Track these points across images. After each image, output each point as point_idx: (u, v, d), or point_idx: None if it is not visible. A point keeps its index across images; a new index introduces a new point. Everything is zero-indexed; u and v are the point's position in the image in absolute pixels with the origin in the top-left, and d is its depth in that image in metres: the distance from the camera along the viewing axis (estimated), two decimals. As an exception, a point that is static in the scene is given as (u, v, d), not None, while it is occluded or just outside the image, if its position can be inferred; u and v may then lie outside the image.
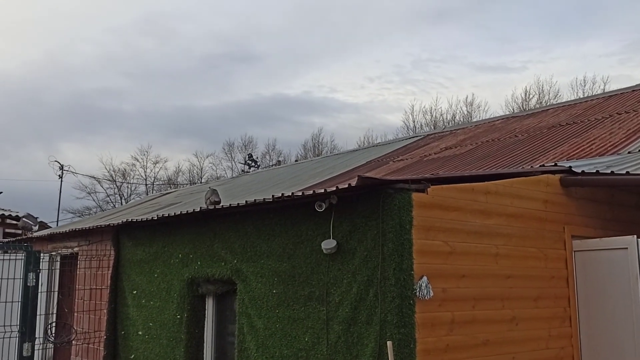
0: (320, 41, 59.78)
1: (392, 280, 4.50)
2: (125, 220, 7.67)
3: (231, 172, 44.98)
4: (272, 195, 5.17)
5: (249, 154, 30.26)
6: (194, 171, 47.07)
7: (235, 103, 56.40)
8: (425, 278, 4.57)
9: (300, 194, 4.93)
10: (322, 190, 4.75)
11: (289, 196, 5.03)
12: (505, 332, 5.18)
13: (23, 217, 11.48)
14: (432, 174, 5.35)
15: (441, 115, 39.80)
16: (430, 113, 40.19)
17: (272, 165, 33.23)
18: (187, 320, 6.64)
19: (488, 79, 48.86)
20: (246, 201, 5.51)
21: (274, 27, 59.90)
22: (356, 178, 4.39)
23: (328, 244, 4.95)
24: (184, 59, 58.39)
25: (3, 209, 18.68)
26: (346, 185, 4.51)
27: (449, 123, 36.61)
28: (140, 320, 7.40)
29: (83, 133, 55.90)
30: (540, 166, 6.09)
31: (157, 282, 7.23)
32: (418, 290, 4.52)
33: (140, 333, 7.35)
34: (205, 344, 6.66)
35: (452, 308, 4.81)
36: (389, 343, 4.39)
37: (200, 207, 6.12)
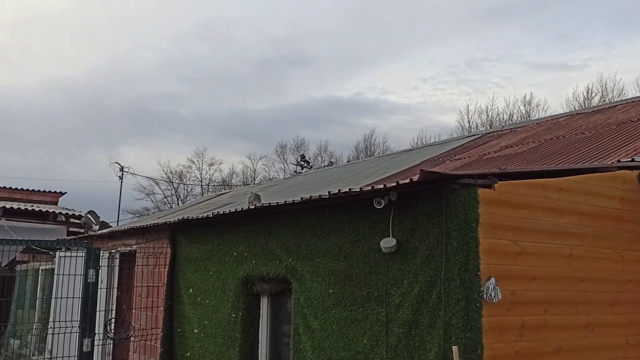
0: (374, 43, 59.38)
1: (457, 281, 4.24)
2: (181, 218, 7.68)
3: (284, 173, 45.22)
4: (329, 192, 5.00)
5: (302, 154, 30.28)
6: (248, 173, 47.64)
7: (288, 106, 56.78)
8: (492, 279, 4.29)
9: (358, 190, 4.73)
10: (382, 186, 4.54)
11: (346, 192, 4.85)
12: (580, 339, 4.81)
13: (86, 214, 11.77)
14: (499, 169, 5.04)
15: (497, 115, 38.64)
16: (487, 113, 39.09)
17: (324, 167, 33.16)
18: (241, 319, 6.56)
19: (547, 78, 47.14)
20: (302, 198, 5.36)
21: (327, 30, 60.02)
22: (418, 172, 4.16)
23: (387, 243, 4.74)
24: (240, 63, 59.33)
25: (67, 209, 19.37)
26: (407, 181, 4.29)
27: (505, 123, 35.52)
28: (196, 318, 7.39)
29: (143, 136, 57.64)
30: (616, 162, 5.66)
31: (212, 280, 7.20)
32: (485, 292, 4.24)
33: (195, 331, 7.34)
34: (260, 344, 6.56)
35: (522, 312, 4.49)
36: (454, 348, 4.13)
37: (255, 205, 6.02)
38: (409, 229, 4.69)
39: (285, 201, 5.61)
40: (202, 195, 45.23)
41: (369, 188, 4.65)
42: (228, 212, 6.51)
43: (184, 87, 59.14)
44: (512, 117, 38.24)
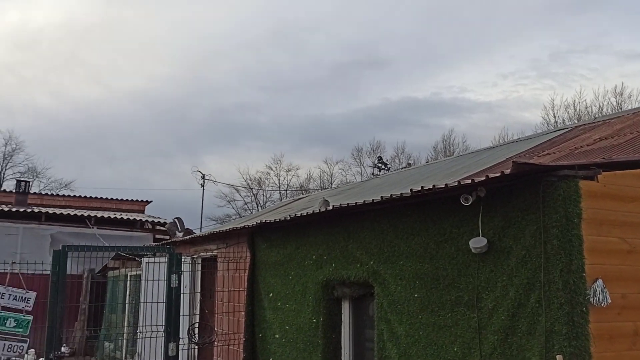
0: (450, 41, 57.96)
1: (559, 283, 3.82)
2: (259, 222, 7.63)
3: (360, 177, 44.97)
4: (411, 190, 4.71)
5: (379, 156, 29.93)
6: (325, 177, 47.83)
7: (363, 109, 56.50)
8: (600, 281, 3.84)
9: (443, 186, 4.41)
10: (469, 181, 4.19)
11: (429, 189, 4.54)
12: None
13: (172, 220, 12.08)
14: (602, 158, 4.55)
15: (586, 108, 36.42)
16: (574, 107, 36.92)
17: (402, 168, 32.60)
18: (323, 324, 6.37)
19: (638, 67, 44.01)
20: (382, 197, 5.10)
21: (402, 31, 59.21)
22: (510, 165, 3.79)
23: (477, 243, 4.38)
24: (315, 68, 59.72)
25: (153, 217, 20.11)
26: (498, 174, 3.92)
27: (595, 116, 33.44)
28: (277, 323, 7.29)
29: (223, 145, 59.29)
30: None
31: (291, 285, 7.07)
32: (592, 295, 3.80)
33: (277, 336, 7.23)
34: (342, 350, 6.34)
35: (635, 317, 4.01)
36: (558, 358, 3.72)
37: (333, 206, 5.82)
38: (501, 227, 4.31)
39: (364, 201, 5.37)
40: (281, 200, 45.96)
41: (455, 184, 4.31)
42: (305, 214, 6.35)
43: (262, 96, 60.35)
44: (602, 109, 35.97)
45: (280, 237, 7.49)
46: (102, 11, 60.07)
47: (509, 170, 3.83)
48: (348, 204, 5.57)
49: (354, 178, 45.20)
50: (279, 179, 48.75)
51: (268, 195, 48.78)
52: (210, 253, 9.81)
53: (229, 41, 63.51)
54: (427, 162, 33.80)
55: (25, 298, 6.49)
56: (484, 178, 4.09)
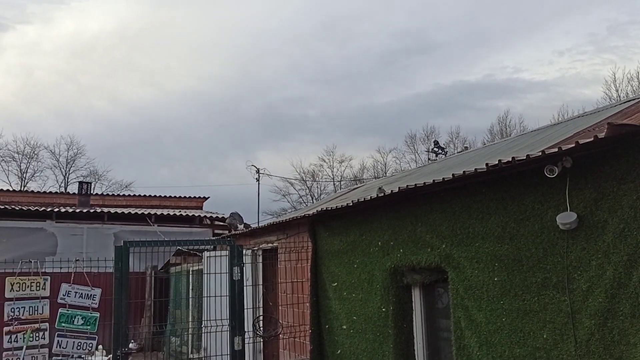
0: (502, 20, 56.08)
1: (669, 258, 3.37)
2: (320, 209, 7.37)
3: (415, 164, 44.22)
4: (487, 164, 4.32)
5: (435, 141, 29.15)
6: (378, 167, 47.38)
7: (415, 96, 55.52)
8: None
9: (524, 157, 4.01)
10: (555, 150, 3.78)
11: (508, 162, 4.14)
12: None
13: (230, 214, 12.02)
14: None
15: (651, 80, 34.36)
16: (638, 79, 34.93)
17: (458, 152, 31.72)
18: (393, 313, 6.06)
19: None
20: (453, 175, 4.73)
21: (451, 14, 57.77)
22: (605, 128, 3.36)
23: (565, 218, 3.96)
24: (363, 58, 59.11)
25: (211, 212, 20.30)
26: (591, 139, 3.50)
27: None
28: (344, 313, 7.03)
29: (275, 140, 59.66)
30: None
31: (357, 273, 6.78)
32: None
33: (344, 327, 6.98)
34: (415, 340, 6.01)
35: None
36: (674, 343, 3.28)
37: (399, 188, 5.48)
38: (593, 200, 3.87)
39: (434, 180, 5.01)
40: (335, 192, 45.80)
41: (539, 154, 3.90)
42: (369, 198, 6.04)
43: (311, 89, 60.29)
44: (668, 80, 33.88)
45: (342, 224, 7.22)
46: (152, 15, 61.53)
47: (603, 133, 3.40)
48: (416, 184, 5.22)
49: (409, 165, 44.50)
50: (332, 171, 48.62)
51: (322, 188, 48.76)
52: (271, 244, 9.66)
53: (276, 37, 63.75)
54: (484, 144, 32.76)
55: (90, 295, 6.51)
56: (572, 145, 3.67)
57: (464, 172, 4.58)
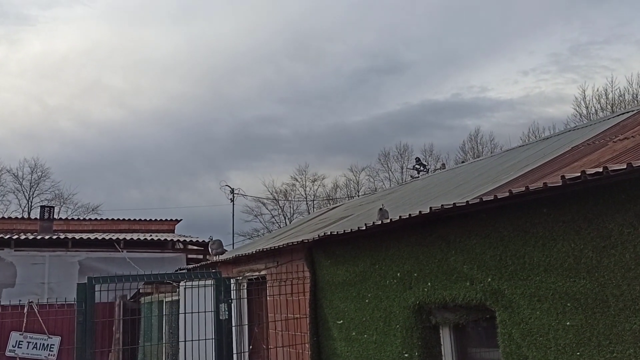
0: (469, 41, 56.59)
1: None
2: (322, 234, 6.30)
3: (389, 182, 43.57)
4: (563, 177, 3.34)
5: (417, 157, 28.45)
6: (351, 185, 46.69)
7: (385, 115, 55.34)
8: None
9: (624, 167, 3.04)
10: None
11: (597, 174, 3.17)
12: None
13: (215, 240, 10.83)
14: None
15: (620, 96, 34.51)
16: (606, 95, 35.02)
17: (436, 169, 31.04)
18: (419, 359, 5.00)
19: (664, 53, 41.89)
20: (510, 191, 3.73)
21: (420, 35, 58.08)
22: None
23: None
24: (334, 78, 58.85)
25: (184, 236, 18.98)
26: None
27: (628, 105, 31.60)
28: (353, 357, 5.93)
29: (247, 160, 58.55)
30: None
31: (369, 310, 5.71)
32: None
33: (354, 374, 5.88)
34: (446, 393, 4.96)
35: None
36: None
37: (431, 208, 4.46)
38: None
39: (481, 198, 3.99)
40: (308, 212, 44.72)
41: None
42: (390, 220, 5.00)
43: (282, 108, 59.58)
44: (637, 96, 34.10)
45: (348, 251, 6.16)
46: (122, 34, 60.03)
47: None
48: (455, 204, 4.20)
49: (382, 184, 43.80)
50: (305, 190, 47.66)
51: (295, 207, 47.72)
52: (258, 273, 8.52)
53: (247, 56, 62.94)
54: (462, 161, 32.16)
55: (47, 345, 5.28)
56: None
57: (527, 187, 3.58)
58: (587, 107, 35.36)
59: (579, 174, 3.26)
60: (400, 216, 4.85)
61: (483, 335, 4.80)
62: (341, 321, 6.17)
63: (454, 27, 57.57)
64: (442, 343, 5.04)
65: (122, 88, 59.45)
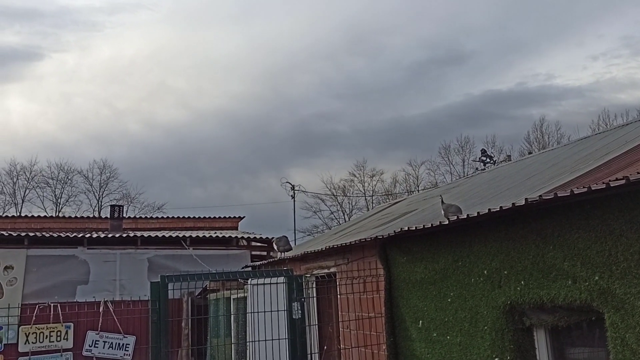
0: (534, 26, 54.34)
1: None
2: (397, 230, 5.97)
3: (450, 176, 42.55)
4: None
5: (482, 149, 27.51)
6: (410, 180, 45.94)
7: (445, 107, 54.02)
8: None
9: None
10: None
11: None
12: None
13: (281, 237, 10.67)
14: None
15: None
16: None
17: (502, 161, 29.95)
18: (511, 365, 4.60)
19: None
20: (627, 178, 3.28)
21: (481, 23, 56.32)
22: None
23: None
24: (393, 71, 58.02)
25: (248, 232, 19.07)
26: None
27: None
28: (434, 360, 5.59)
29: (306, 157, 58.66)
30: None
31: (452, 310, 5.35)
32: None
33: (436, 378, 5.53)
34: (543, 401, 4.54)
35: None
36: None
37: (527, 199, 4.05)
38: None
39: (589, 187, 3.55)
40: (367, 207, 44.28)
41: None
42: (476, 214, 4.62)
43: (340, 104, 59.35)
44: None
45: (426, 247, 5.81)
46: (185, 37, 61.49)
47: None
48: (556, 194, 3.78)
49: (443, 178, 42.80)
50: (363, 186, 47.25)
51: (354, 203, 47.41)
52: (327, 270, 8.28)
53: (306, 53, 63.07)
54: (528, 153, 30.85)
55: (122, 345, 5.22)
56: None
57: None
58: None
59: None
60: (489, 209, 4.47)
61: (584, 339, 4.35)
62: (421, 322, 5.83)
63: (517, 12, 55.54)
64: (537, 346, 4.62)
65: (185, 89, 60.96)
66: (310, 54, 63.17)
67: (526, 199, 4.04)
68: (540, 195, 3.92)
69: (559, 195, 3.76)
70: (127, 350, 5.20)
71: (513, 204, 4.18)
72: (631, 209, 3.60)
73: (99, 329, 5.23)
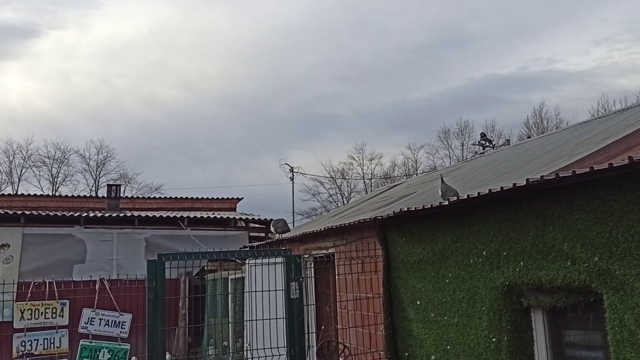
0: (537, 9, 53.84)
1: None
2: (397, 211, 5.95)
3: (449, 160, 42.54)
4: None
5: (482, 133, 27.43)
6: (409, 164, 45.95)
7: (446, 90, 53.74)
8: None
9: None
10: None
11: None
12: None
13: (279, 219, 10.66)
14: None
15: None
16: (693, 65, 32.59)
17: (501, 145, 29.92)
18: (508, 345, 4.61)
19: None
20: (631, 158, 3.25)
21: (486, 4, 55.76)
22: None
23: None
24: (396, 53, 57.49)
25: (246, 214, 19.06)
26: None
27: None
28: (431, 340, 5.60)
29: (307, 139, 58.46)
30: None
31: (450, 290, 5.35)
32: None
33: (433, 358, 5.55)
34: (539, 381, 4.56)
35: None
36: None
37: (528, 180, 4.02)
38: None
39: (592, 167, 3.52)
40: (366, 191, 44.33)
41: None
42: (477, 194, 4.60)
43: (343, 86, 58.98)
44: None
45: (425, 228, 5.79)
46: (186, 16, 60.85)
47: None
48: (557, 173, 3.75)
49: (442, 162, 42.78)
50: (362, 169, 47.24)
51: (352, 186, 47.46)
52: (325, 251, 8.28)
53: (309, 33, 62.46)
54: (528, 137, 30.81)
55: (119, 322, 5.21)
56: None
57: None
58: (669, 78, 33.09)
59: None
60: (490, 189, 4.44)
61: (580, 320, 4.36)
62: (418, 302, 5.83)
63: (520, -5, 55.02)
64: (534, 327, 4.63)
65: (186, 69, 60.43)
66: (312, 34, 62.66)
67: (527, 179, 4.02)
68: (542, 176, 3.89)
69: (560, 175, 3.73)
70: (124, 328, 5.21)
71: (514, 184, 4.15)
72: (633, 190, 3.58)
73: (95, 307, 5.21)
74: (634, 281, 3.56)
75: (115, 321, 5.26)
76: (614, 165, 3.33)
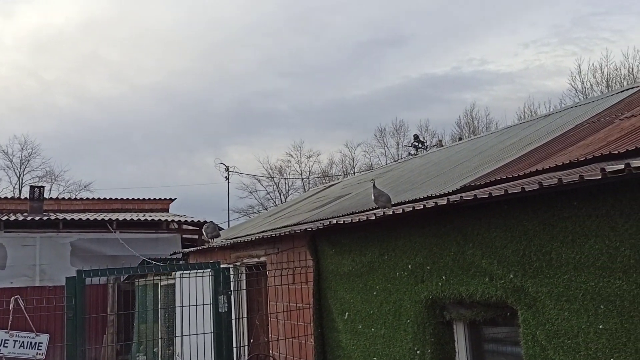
0: (471, 12, 55.74)
1: None
2: (326, 224, 5.98)
3: (385, 158, 43.31)
4: (602, 170, 3.01)
5: (415, 135, 28.06)
6: (346, 162, 46.42)
7: (385, 89, 54.71)
8: None
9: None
10: None
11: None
12: None
13: (209, 223, 10.49)
14: None
15: (615, 70, 34.08)
16: (601, 70, 34.58)
17: (433, 146, 30.74)
18: (432, 357, 4.74)
19: (665, 26, 41.47)
20: (540, 183, 3.40)
21: (425, 4, 57.11)
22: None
23: None
24: (336, 51, 58.02)
25: (179, 215, 18.63)
26: None
27: (624, 80, 31.20)
28: (359, 352, 5.67)
29: (246, 135, 57.98)
30: None
31: (377, 303, 5.44)
32: None
33: (360, 369, 5.62)
34: (460, 391, 4.71)
35: None
36: None
37: (449, 199, 4.13)
38: None
39: (506, 190, 3.66)
40: (304, 188, 44.47)
41: None
42: (402, 211, 4.68)
43: (283, 82, 58.85)
44: (633, 71, 33.72)
45: (354, 240, 5.85)
46: (120, 7, 58.68)
47: None
48: (475, 195, 3.88)
49: (378, 160, 43.53)
50: (300, 166, 47.33)
51: (290, 184, 47.45)
52: (257, 260, 8.23)
53: (248, 28, 61.88)
54: (458, 138, 31.84)
55: (35, 344, 4.95)
56: None
57: (581, 177, 3.24)
58: (582, 82, 34.95)
59: (623, 167, 2.93)
60: (413, 207, 4.53)
61: (499, 333, 4.54)
62: (347, 314, 5.89)
63: (455, -2, 56.71)
64: (456, 339, 4.78)
65: (121, 62, 58.42)
66: (252, 29, 62.13)
67: (448, 199, 4.13)
68: (462, 196, 4.01)
69: (478, 197, 3.86)
70: (40, 349, 4.95)
71: (435, 203, 4.25)
72: (544, 211, 3.75)
73: (9, 328, 4.93)
74: (545, 298, 3.73)
75: (31, 342, 4.99)
76: (526, 190, 3.47)
